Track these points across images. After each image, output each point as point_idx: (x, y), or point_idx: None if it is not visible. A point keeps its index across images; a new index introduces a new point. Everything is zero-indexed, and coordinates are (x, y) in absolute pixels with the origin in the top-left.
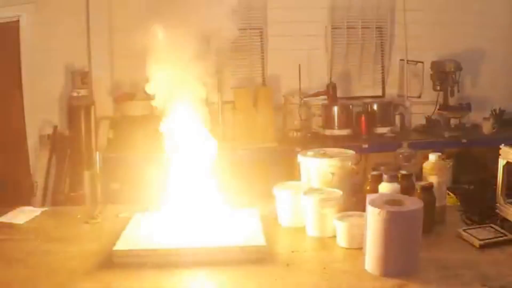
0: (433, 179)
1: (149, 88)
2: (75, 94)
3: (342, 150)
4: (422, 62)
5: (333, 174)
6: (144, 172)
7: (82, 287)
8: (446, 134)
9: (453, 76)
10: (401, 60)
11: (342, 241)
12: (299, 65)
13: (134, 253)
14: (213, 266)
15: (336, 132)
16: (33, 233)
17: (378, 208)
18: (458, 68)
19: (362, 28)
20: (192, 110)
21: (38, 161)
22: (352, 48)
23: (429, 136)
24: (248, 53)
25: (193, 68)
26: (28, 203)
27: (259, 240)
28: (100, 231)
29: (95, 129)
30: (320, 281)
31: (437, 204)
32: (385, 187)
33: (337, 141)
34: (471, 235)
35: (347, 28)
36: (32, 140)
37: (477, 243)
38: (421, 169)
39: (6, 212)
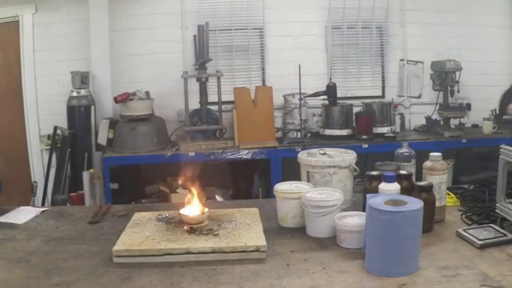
0: (433, 179)
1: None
2: (75, 94)
3: (342, 150)
4: (422, 62)
5: (332, 173)
6: (144, 172)
7: (82, 287)
8: (446, 134)
9: (453, 76)
10: (401, 60)
11: (341, 241)
12: (299, 65)
13: (133, 253)
14: (213, 266)
15: (336, 132)
16: (33, 233)
17: (378, 208)
18: (458, 68)
19: (362, 28)
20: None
21: (38, 161)
22: (352, 48)
23: (429, 136)
24: (248, 53)
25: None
26: (28, 203)
27: (259, 240)
28: (100, 231)
29: (95, 129)
30: (320, 281)
31: (437, 204)
32: (385, 187)
33: (337, 141)
34: (471, 235)
35: (347, 28)
36: (32, 140)
37: (477, 243)
38: (421, 169)
39: (6, 212)
